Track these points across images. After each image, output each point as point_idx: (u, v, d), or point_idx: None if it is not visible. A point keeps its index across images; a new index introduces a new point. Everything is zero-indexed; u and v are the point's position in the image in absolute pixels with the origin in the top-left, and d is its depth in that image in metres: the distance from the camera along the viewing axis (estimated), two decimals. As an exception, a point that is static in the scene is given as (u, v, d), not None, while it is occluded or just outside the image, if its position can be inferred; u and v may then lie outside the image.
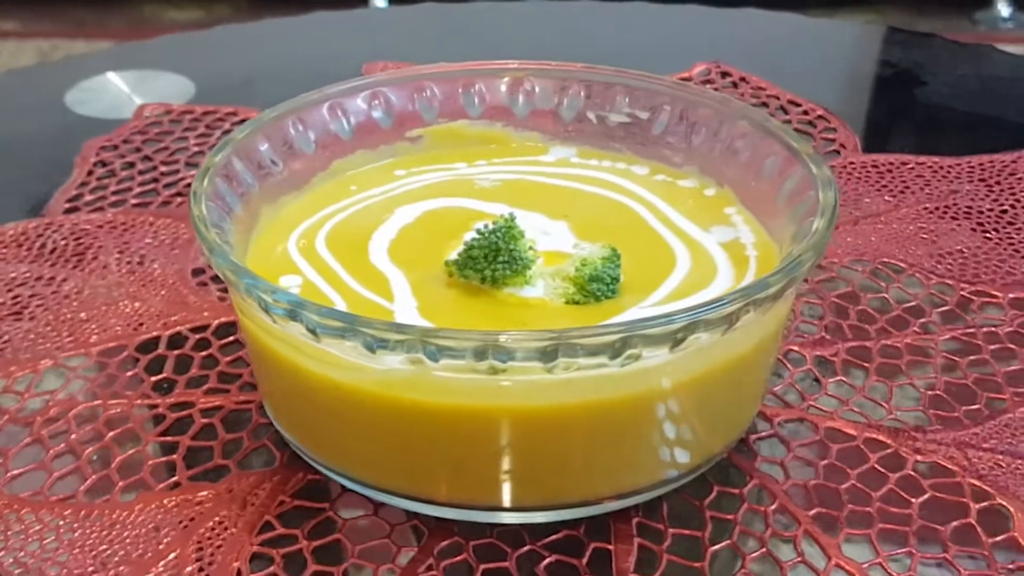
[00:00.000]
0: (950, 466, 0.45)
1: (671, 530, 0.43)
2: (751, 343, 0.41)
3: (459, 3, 0.97)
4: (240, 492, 0.44)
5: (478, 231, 0.44)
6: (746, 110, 0.51)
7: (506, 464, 0.41)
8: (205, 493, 0.44)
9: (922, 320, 0.54)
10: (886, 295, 0.56)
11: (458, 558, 0.42)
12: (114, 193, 0.67)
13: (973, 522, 0.43)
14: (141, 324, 0.54)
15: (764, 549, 0.42)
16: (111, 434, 0.48)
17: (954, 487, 0.44)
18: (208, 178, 0.46)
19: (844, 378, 0.50)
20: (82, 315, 0.55)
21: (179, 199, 0.66)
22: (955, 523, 0.43)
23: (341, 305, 0.44)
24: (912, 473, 0.45)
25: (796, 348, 0.52)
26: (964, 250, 0.60)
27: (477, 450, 0.40)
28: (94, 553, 0.42)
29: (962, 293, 0.56)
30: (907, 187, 0.66)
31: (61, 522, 0.43)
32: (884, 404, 0.49)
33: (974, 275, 0.57)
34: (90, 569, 0.41)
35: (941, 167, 0.68)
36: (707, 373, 0.40)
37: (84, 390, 0.50)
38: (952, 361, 0.51)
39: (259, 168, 0.50)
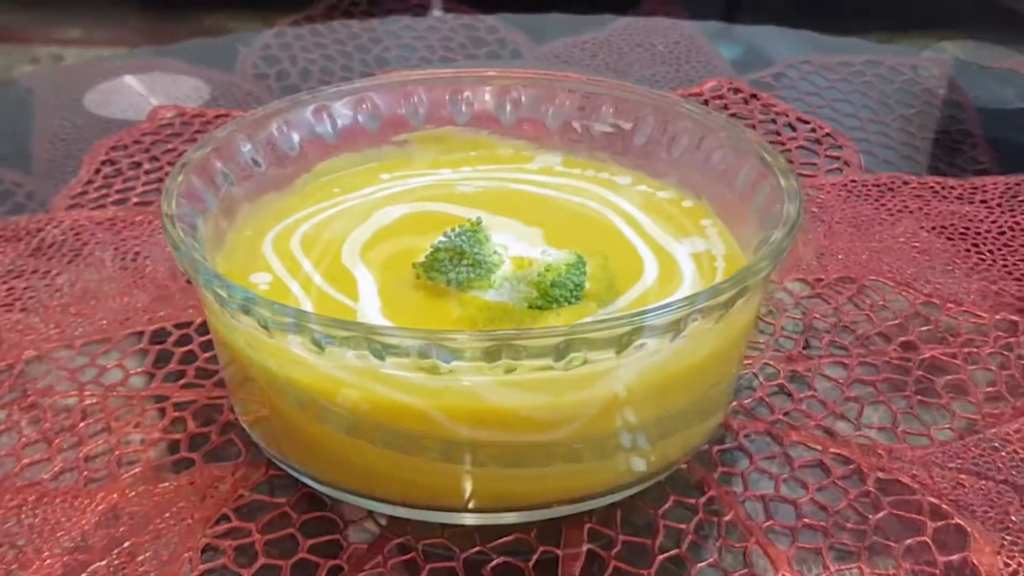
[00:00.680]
0: (911, 483, 0.45)
1: (622, 537, 0.43)
2: (703, 352, 0.41)
3: (481, 12, 0.97)
4: (201, 485, 0.45)
5: (445, 235, 0.45)
6: (724, 123, 0.51)
7: (455, 465, 0.41)
8: (167, 484, 0.45)
9: (903, 339, 0.54)
10: (869, 313, 0.55)
11: (406, 556, 0.42)
12: (118, 192, 0.68)
13: (928, 540, 0.42)
14: (127, 319, 0.55)
15: (712, 559, 0.42)
16: (83, 424, 0.48)
17: (913, 505, 0.44)
18: (183, 175, 0.46)
19: (817, 394, 0.50)
20: (71, 309, 0.56)
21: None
22: (909, 540, 0.42)
23: (307, 304, 0.45)
24: (872, 490, 0.45)
25: (771, 362, 0.52)
26: (956, 270, 0.59)
27: (425, 450, 0.40)
28: (51, 540, 0.42)
29: (948, 313, 0.55)
30: (906, 206, 0.65)
31: (23, 507, 0.44)
32: (853, 421, 0.48)
33: (963, 295, 0.57)
34: (45, 555, 0.42)
35: (943, 187, 0.67)
36: (659, 380, 0.40)
37: (63, 380, 0.51)
38: (928, 380, 0.51)
39: (240, 167, 0.50)
